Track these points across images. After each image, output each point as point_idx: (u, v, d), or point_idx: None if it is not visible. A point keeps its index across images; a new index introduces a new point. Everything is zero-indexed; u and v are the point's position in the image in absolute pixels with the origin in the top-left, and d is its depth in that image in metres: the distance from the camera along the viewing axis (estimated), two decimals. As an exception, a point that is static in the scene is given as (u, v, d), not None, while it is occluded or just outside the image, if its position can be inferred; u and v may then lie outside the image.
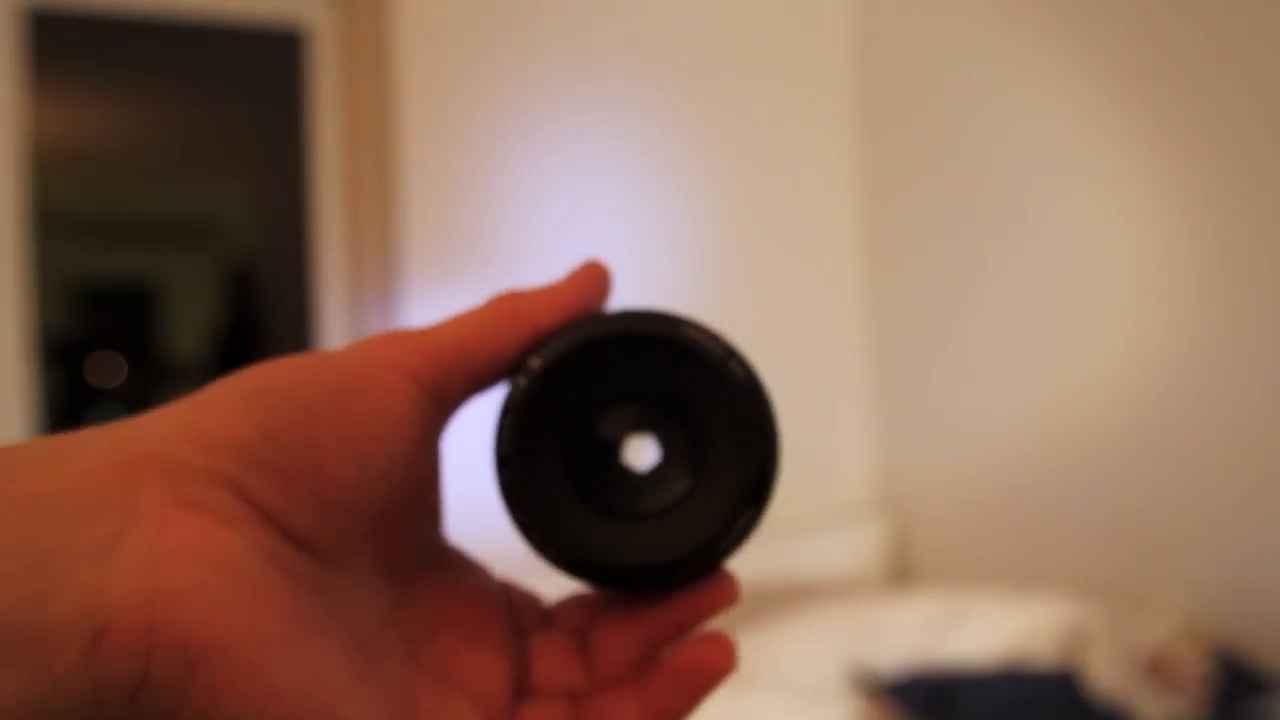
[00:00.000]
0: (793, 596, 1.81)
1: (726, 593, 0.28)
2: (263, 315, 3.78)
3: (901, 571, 2.10)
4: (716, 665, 0.26)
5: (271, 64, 2.09)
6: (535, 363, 0.27)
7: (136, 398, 3.85)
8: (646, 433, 0.29)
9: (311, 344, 1.94)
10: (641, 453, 0.29)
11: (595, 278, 0.30)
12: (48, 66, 1.87)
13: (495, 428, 0.27)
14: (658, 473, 0.29)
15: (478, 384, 0.27)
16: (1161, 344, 1.62)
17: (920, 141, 2.10)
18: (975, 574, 1.90)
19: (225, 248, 4.12)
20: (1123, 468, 1.67)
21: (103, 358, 3.77)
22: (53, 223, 2.04)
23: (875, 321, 2.20)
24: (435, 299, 1.83)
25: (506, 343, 0.27)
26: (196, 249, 4.18)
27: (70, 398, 3.45)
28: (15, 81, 1.63)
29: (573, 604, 0.29)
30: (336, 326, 1.85)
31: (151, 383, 3.94)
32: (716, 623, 0.28)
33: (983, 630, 1.49)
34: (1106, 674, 1.32)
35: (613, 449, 0.29)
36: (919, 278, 2.11)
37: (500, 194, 1.89)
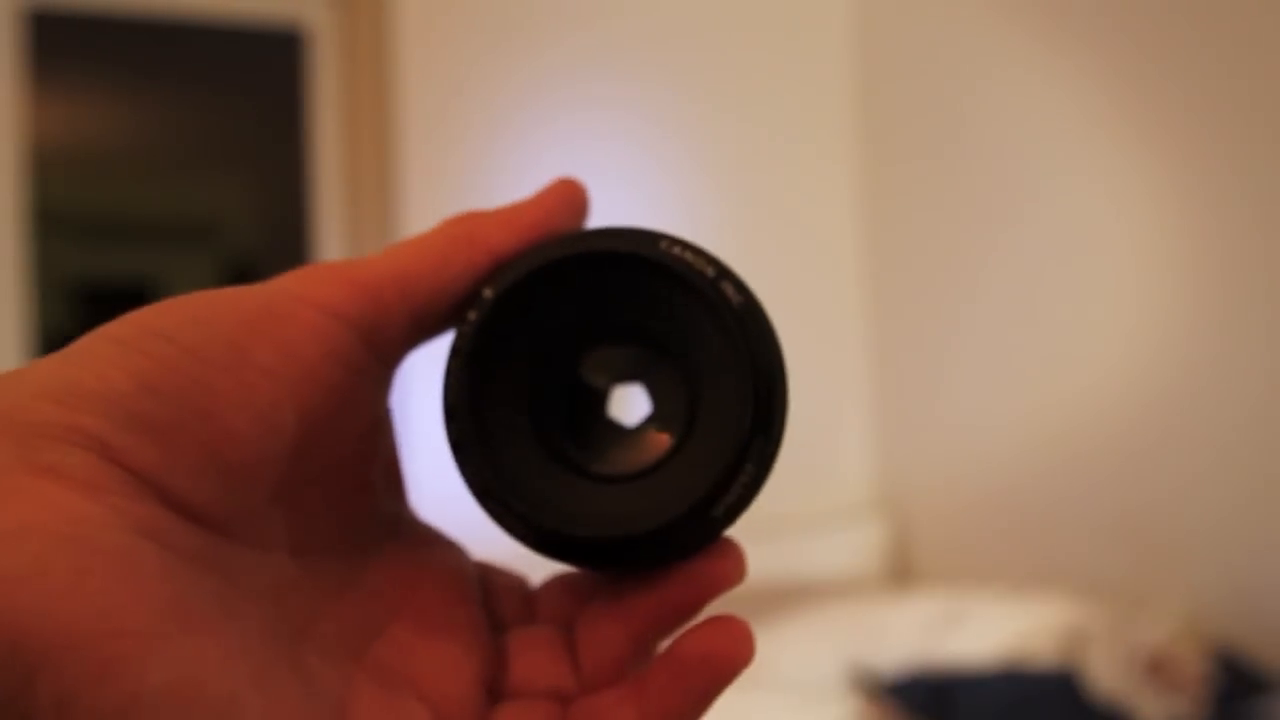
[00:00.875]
0: (793, 596, 1.81)
1: (731, 567, 0.22)
2: (263, 315, 3.77)
3: (901, 571, 2.10)
4: (727, 656, 0.21)
5: (271, 64, 2.09)
6: (487, 293, 0.23)
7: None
8: (624, 373, 0.24)
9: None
10: (620, 399, 0.25)
11: (566, 195, 0.25)
12: (48, 66, 1.87)
13: (443, 372, 0.23)
14: (639, 427, 0.24)
15: (424, 323, 0.23)
16: (1161, 345, 1.62)
17: (921, 142, 2.10)
18: (975, 574, 1.90)
19: (225, 247, 4.12)
20: (1123, 468, 1.67)
21: (103, 358, 3.77)
22: (53, 223, 2.04)
23: (876, 322, 2.20)
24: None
25: (457, 272, 0.23)
26: (196, 249, 4.18)
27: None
28: (15, 81, 1.63)
29: (555, 588, 0.25)
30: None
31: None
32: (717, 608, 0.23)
33: (983, 630, 1.49)
34: (1106, 674, 1.32)
35: (586, 395, 0.24)
36: (919, 278, 2.11)
37: (500, 194, 1.89)
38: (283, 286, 0.21)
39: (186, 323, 0.19)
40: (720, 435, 0.22)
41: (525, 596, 0.25)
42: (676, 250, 0.23)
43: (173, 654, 0.15)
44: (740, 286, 0.23)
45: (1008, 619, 1.50)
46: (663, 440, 0.23)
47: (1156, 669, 1.32)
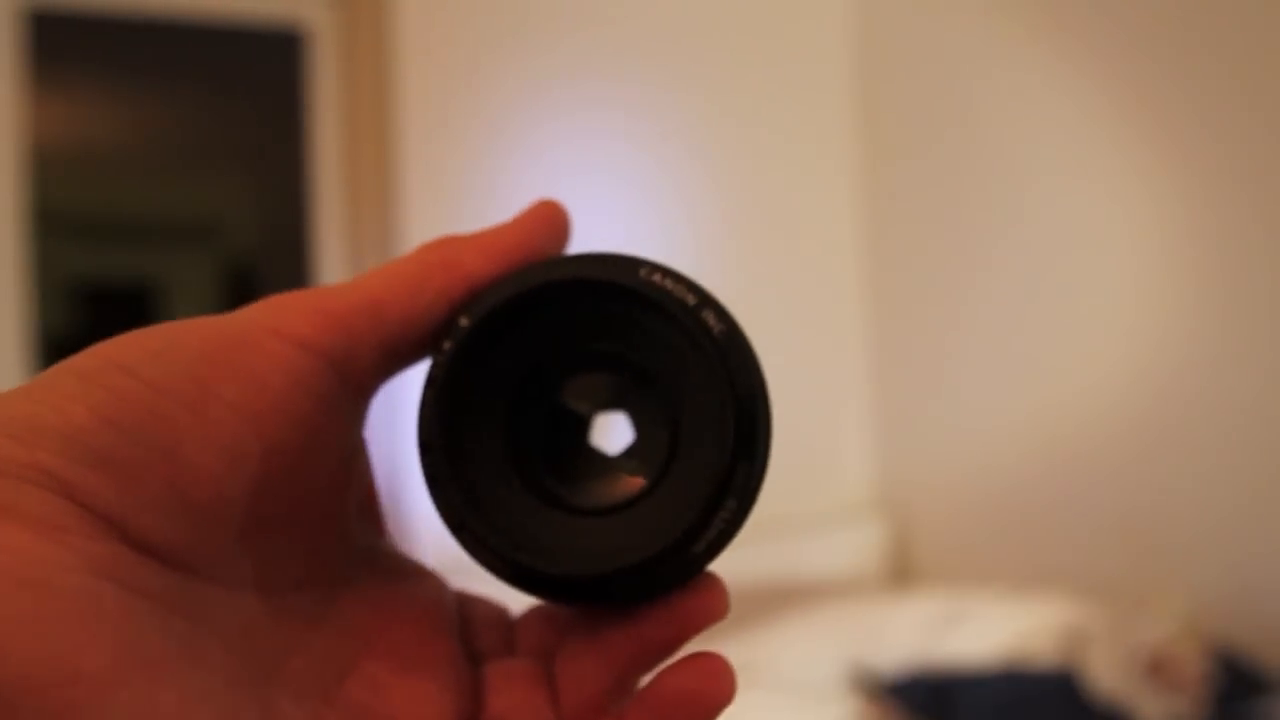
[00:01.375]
0: (793, 596, 1.81)
1: (712, 602, 0.22)
2: (263, 315, 3.77)
3: (901, 571, 2.10)
4: (708, 695, 0.20)
5: (271, 64, 2.09)
6: (463, 321, 0.22)
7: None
8: (605, 401, 0.24)
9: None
10: (601, 428, 0.24)
11: (546, 218, 0.24)
12: (48, 66, 1.87)
13: (418, 403, 0.22)
14: (620, 457, 0.23)
15: (398, 352, 0.22)
16: (1161, 345, 1.62)
17: (920, 142, 2.10)
18: (975, 574, 1.90)
19: (225, 247, 4.12)
20: (1123, 468, 1.67)
21: (103, 358, 3.77)
22: (53, 223, 2.04)
23: (875, 322, 2.20)
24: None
25: (432, 299, 0.22)
26: (196, 249, 4.18)
27: (70, 398, 3.45)
28: (15, 81, 1.63)
29: (535, 618, 0.24)
30: (336, 326, 1.85)
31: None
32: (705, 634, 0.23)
33: (983, 630, 1.49)
34: (1106, 674, 1.32)
35: (566, 424, 0.23)
36: (919, 278, 2.11)
37: (500, 194, 1.89)
38: (250, 317, 0.20)
39: (149, 355, 0.18)
40: (702, 468, 0.22)
41: (505, 627, 0.24)
42: (657, 278, 0.22)
43: (130, 700, 0.15)
44: (722, 314, 0.22)
45: (1008, 619, 1.50)
46: (643, 471, 0.23)
47: (1156, 669, 1.32)
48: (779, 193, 2.18)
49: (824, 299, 2.22)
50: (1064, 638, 1.41)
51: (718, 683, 0.20)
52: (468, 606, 0.24)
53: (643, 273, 0.22)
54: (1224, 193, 1.53)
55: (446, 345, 0.22)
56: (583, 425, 0.24)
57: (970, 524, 1.98)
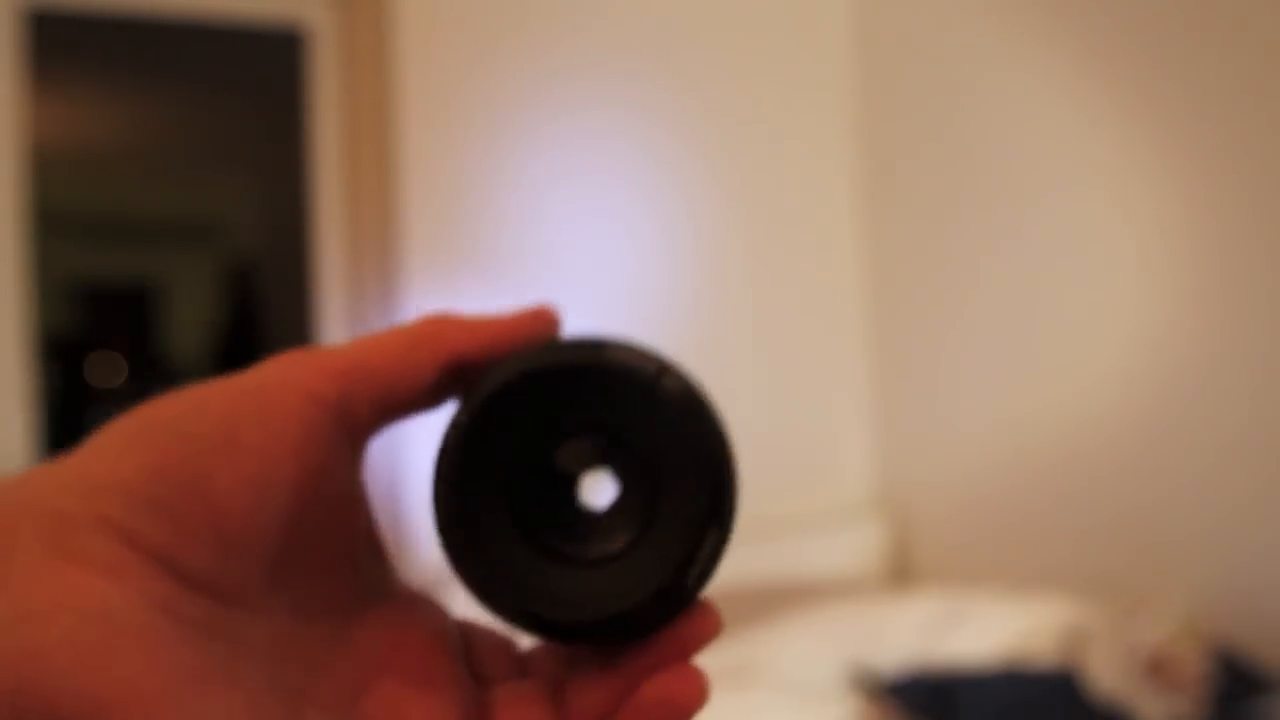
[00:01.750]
0: (793, 596, 1.81)
1: (706, 627, 0.25)
2: (263, 315, 3.77)
3: (901, 571, 2.10)
4: (683, 698, 0.24)
5: (271, 64, 2.09)
6: (461, 417, 0.25)
7: (136, 398, 3.84)
8: (595, 468, 0.27)
9: (310, 343, 1.94)
10: (594, 490, 0.27)
11: (535, 316, 0.27)
12: (48, 66, 1.87)
13: (431, 493, 0.25)
14: (610, 511, 0.27)
15: (389, 409, 0.25)
16: (1161, 345, 1.62)
17: (920, 142, 2.10)
18: (975, 574, 1.90)
19: (225, 248, 4.12)
20: (1122, 468, 1.67)
21: (103, 358, 3.77)
22: (53, 223, 2.04)
23: (875, 322, 2.20)
24: (435, 298, 1.83)
25: (418, 367, 0.25)
26: (197, 249, 4.18)
27: (70, 398, 3.45)
28: (15, 81, 1.63)
29: (545, 650, 0.27)
30: (336, 326, 1.85)
31: (151, 383, 3.94)
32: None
33: (983, 630, 1.49)
34: (1106, 674, 1.32)
35: (562, 485, 0.27)
36: (919, 278, 2.11)
37: (500, 193, 1.89)
38: (266, 373, 0.23)
39: (184, 414, 0.21)
40: (679, 514, 0.25)
41: (511, 653, 0.27)
42: (620, 355, 0.26)
43: (188, 711, 0.18)
44: (679, 379, 0.26)
45: (1008, 619, 1.50)
46: (629, 524, 0.26)
47: (1156, 669, 1.32)
48: (779, 193, 2.18)
49: (824, 299, 2.22)
50: (1064, 638, 1.41)
51: (691, 689, 0.24)
52: (472, 633, 0.27)
53: (607, 353, 0.26)
54: (1224, 192, 1.53)
55: (449, 440, 0.25)
56: (573, 485, 0.27)
57: (970, 524, 1.98)
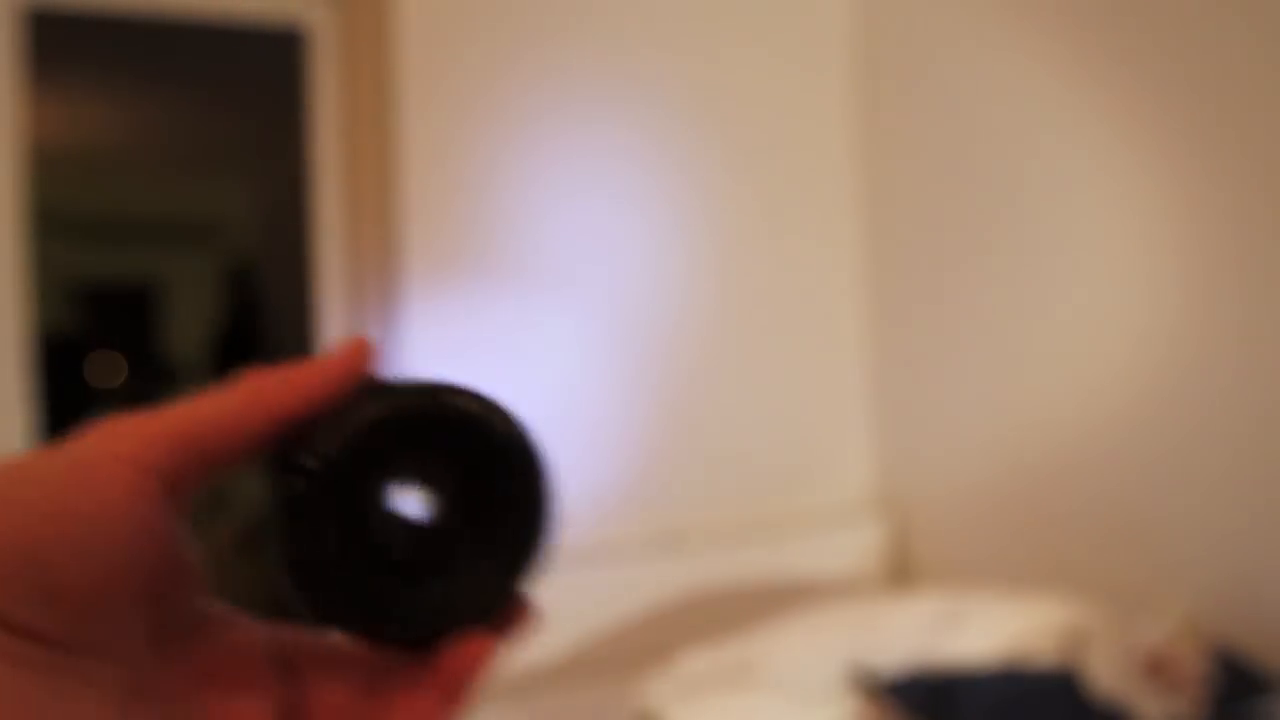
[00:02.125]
0: (792, 596, 1.81)
1: (480, 653, 0.29)
2: (263, 315, 3.78)
3: (901, 571, 2.11)
4: (478, 662, 0.28)
5: (271, 64, 2.09)
6: (311, 464, 0.28)
7: (136, 397, 3.85)
8: (429, 501, 0.30)
9: (311, 344, 1.94)
10: (425, 517, 0.30)
11: (353, 354, 0.30)
12: (48, 66, 1.87)
13: (281, 531, 0.28)
14: (440, 537, 0.30)
15: (214, 465, 0.28)
16: (1161, 345, 1.62)
17: (921, 138, 2.10)
18: (975, 574, 1.90)
19: (225, 248, 4.12)
20: (1123, 468, 1.67)
21: (103, 358, 3.77)
22: (53, 223, 2.04)
23: (876, 321, 2.20)
24: (434, 298, 1.83)
25: (248, 433, 0.28)
26: (196, 249, 4.19)
27: (70, 398, 3.45)
28: (15, 81, 1.63)
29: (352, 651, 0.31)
30: (336, 326, 1.85)
31: (151, 382, 3.94)
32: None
33: (983, 630, 1.49)
34: (1106, 674, 1.32)
35: (399, 519, 0.29)
36: (920, 277, 2.11)
37: (499, 192, 1.89)
38: (92, 444, 0.26)
39: (18, 482, 0.24)
40: (492, 549, 0.29)
41: (326, 649, 0.31)
42: (454, 399, 0.29)
43: None
44: (506, 420, 0.29)
45: (1008, 619, 1.50)
46: (457, 539, 0.30)
47: (1156, 669, 1.32)
48: (779, 193, 2.18)
49: (824, 299, 2.22)
50: (1064, 638, 1.41)
51: (482, 652, 0.29)
52: (283, 638, 0.31)
53: (442, 397, 0.29)
54: (1227, 191, 1.53)
55: (295, 484, 0.28)
56: (414, 508, 0.30)
57: (970, 524, 1.98)
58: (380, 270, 1.82)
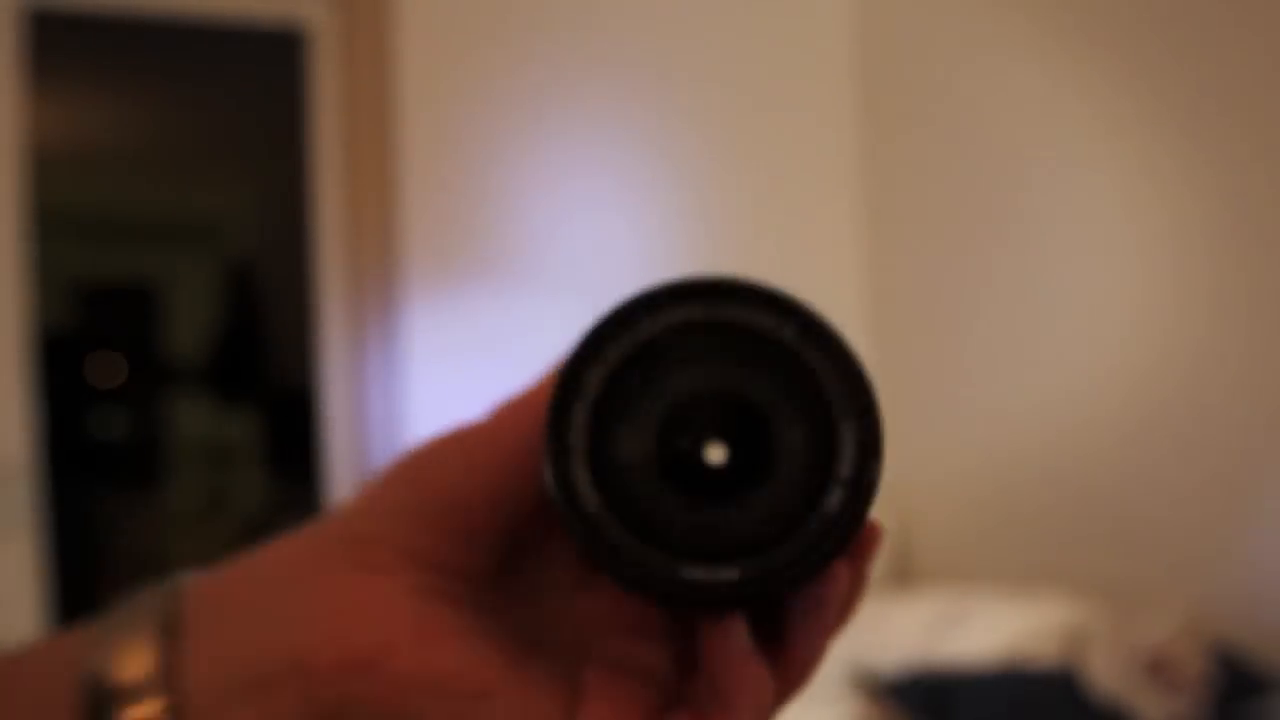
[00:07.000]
0: (793, 596, 1.80)
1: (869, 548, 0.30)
2: (263, 315, 3.78)
3: (902, 571, 2.10)
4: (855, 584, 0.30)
5: (271, 64, 2.09)
6: (580, 416, 0.26)
7: (136, 398, 3.85)
8: (718, 434, 0.27)
9: (310, 344, 1.94)
10: (719, 449, 0.27)
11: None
12: (48, 66, 1.87)
13: (559, 471, 0.26)
14: (735, 476, 0.27)
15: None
16: (1163, 344, 1.62)
17: (922, 135, 2.10)
18: (976, 573, 1.90)
19: (225, 248, 4.12)
20: (1124, 468, 1.67)
21: (103, 358, 3.77)
22: (53, 223, 2.04)
23: (876, 319, 2.20)
24: (434, 298, 1.83)
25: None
26: (196, 249, 4.18)
27: (70, 398, 3.45)
28: (15, 81, 1.63)
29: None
30: (336, 326, 1.85)
31: (151, 383, 3.94)
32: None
33: (983, 630, 1.49)
34: (1106, 674, 1.32)
35: (686, 455, 0.27)
36: (920, 274, 2.11)
37: (499, 193, 1.89)
38: (495, 418, 0.29)
39: (439, 452, 0.29)
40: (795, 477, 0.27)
41: None
42: (738, 313, 0.28)
43: (453, 648, 0.26)
44: (805, 319, 0.28)
45: (1008, 619, 1.50)
46: (749, 493, 0.27)
47: (1156, 669, 1.32)
48: (779, 189, 2.18)
49: (824, 297, 2.20)
50: (1064, 638, 1.41)
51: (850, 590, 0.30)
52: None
53: (726, 310, 0.28)
54: (1230, 189, 1.53)
55: (574, 409, 0.27)
56: (692, 453, 0.27)
57: (971, 523, 1.98)
58: (380, 270, 1.82)
